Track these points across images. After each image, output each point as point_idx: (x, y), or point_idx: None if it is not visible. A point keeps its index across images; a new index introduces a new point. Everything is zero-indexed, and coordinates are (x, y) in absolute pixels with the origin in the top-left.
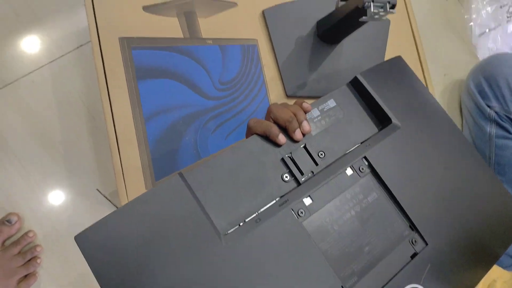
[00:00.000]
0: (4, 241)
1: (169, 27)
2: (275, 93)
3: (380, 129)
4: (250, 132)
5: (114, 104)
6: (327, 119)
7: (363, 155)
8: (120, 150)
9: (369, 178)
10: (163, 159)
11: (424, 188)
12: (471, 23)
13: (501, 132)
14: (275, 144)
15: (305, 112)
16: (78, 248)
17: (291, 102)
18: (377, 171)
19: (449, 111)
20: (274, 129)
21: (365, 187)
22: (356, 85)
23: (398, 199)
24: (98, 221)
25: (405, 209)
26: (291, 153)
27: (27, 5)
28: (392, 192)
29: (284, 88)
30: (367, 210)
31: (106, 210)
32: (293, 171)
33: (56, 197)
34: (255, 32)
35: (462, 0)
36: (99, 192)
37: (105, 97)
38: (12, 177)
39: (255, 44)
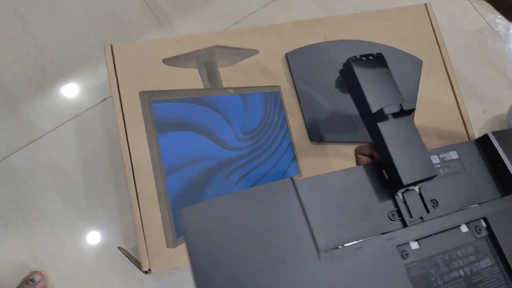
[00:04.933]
0: None
1: (189, 78)
2: (301, 141)
3: (503, 195)
4: (358, 157)
5: (134, 159)
6: (446, 170)
7: (483, 216)
8: (140, 206)
9: (485, 242)
10: None
11: None
12: (510, 55)
13: None
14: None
15: None
16: None
17: (315, 147)
18: (496, 236)
19: None
20: None
21: (480, 251)
22: (484, 143)
23: None
24: (204, 202)
25: None
26: (403, 192)
27: (52, 60)
28: (509, 263)
29: (308, 134)
30: (477, 275)
31: (129, 267)
32: (402, 211)
33: (80, 255)
34: (278, 78)
35: (499, 31)
36: (120, 250)
37: (126, 152)
38: (37, 235)
39: (278, 91)
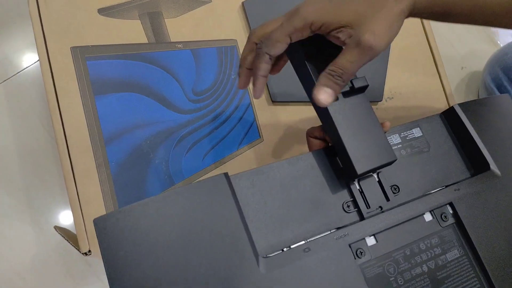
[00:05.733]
0: None
1: (130, 31)
2: (261, 102)
3: (472, 174)
4: (309, 140)
5: (67, 126)
6: (408, 150)
7: (449, 201)
8: (76, 179)
9: (451, 231)
10: (129, 187)
11: None
12: None
13: None
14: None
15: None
16: None
17: (277, 108)
18: (464, 224)
19: None
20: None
21: (445, 241)
22: (450, 117)
23: (485, 265)
24: (123, 208)
25: (491, 278)
26: (359, 180)
27: None
28: (480, 254)
29: (269, 94)
30: (443, 270)
31: (73, 249)
32: (358, 202)
33: (17, 238)
34: (234, 31)
35: None
36: (56, 230)
37: (57, 118)
38: None
39: (234, 45)
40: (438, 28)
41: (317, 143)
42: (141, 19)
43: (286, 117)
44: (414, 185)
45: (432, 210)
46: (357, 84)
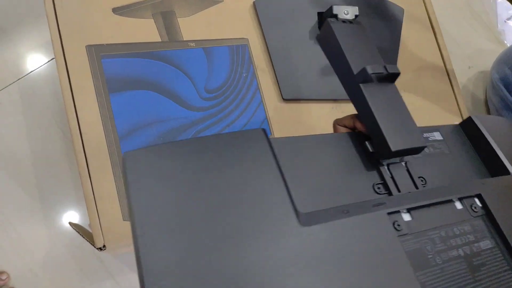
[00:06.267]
0: None
1: (144, 30)
2: (272, 99)
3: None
4: (337, 128)
5: (82, 123)
6: (431, 149)
7: (478, 192)
8: (91, 175)
9: (481, 222)
10: None
11: None
12: (496, 7)
13: None
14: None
15: None
16: None
17: (288, 106)
18: (495, 217)
19: (475, 106)
20: None
21: (478, 230)
22: (468, 127)
23: None
24: (156, 145)
25: None
26: (388, 164)
27: None
28: None
29: (281, 92)
30: (478, 257)
31: (86, 245)
32: (389, 184)
33: (30, 234)
34: (245, 30)
35: None
36: (71, 226)
37: (72, 115)
38: None
39: (245, 44)
40: (445, 27)
41: (344, 131)
42: (154, 18)
43: (297, 114)
44: (439, 181)
45: (462, 199)
46: (390, 69)
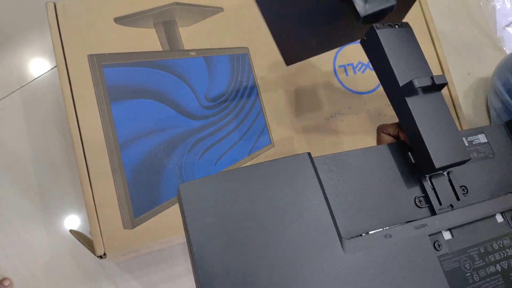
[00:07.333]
0: None
1: (146, 40)
2: (272, 108)
3: None
4: (381, 136)
5: (84, 131)
6: (474, 154)
7: None
8: (92, 183)
9: None
10: (143, 192)
11: None
12: (495, 14)
13: None
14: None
15: None
16: None
17: (288, 115)
18: None
19: (475, 113)
20: None
21: None
22: None
23: None
24: (207, 176)
25: None
26: (430, 177)
27: None
28: None
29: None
30: None
31: (87, 251)
32: (430, 197)
33: (33, 240)
34: (246, 39)
35: None
36: (72, 233)
37: (73, 123)
38: None
39: (246, 53)
40: (445, 34)
41: (388, 139)
42: (156, 28)
43: (296, 123)
44: (481, 188)
45: (504, 212)
46: (438, 80)
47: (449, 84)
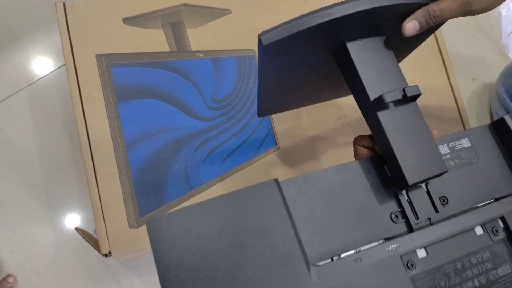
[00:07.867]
0: None
1: (153, 40)
2: None
3: None
4: (356, 148)
5: (91, 131)
6: (457, 160)
7: (500, 214)
8: (98, 182)
9: (503, 246)
10: (148, 192)
11: None
12: (500, 20)
13: None
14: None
15: None
16: None
17: (293, 117)
18: None
19: (479, 119)
20: None
21: (497, 256)
22: (499, 128)
23: None
24: (173, 210)
25: None
26: (407, 190)
27: (1, 23)
28: None
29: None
30: (494, 285)
31: (92, 250)
32: (407, 212)
33: (38, 238)
34: (253, 41)
35: None
36: (77, 231)
37: (81, 123)
38: None
39: (252, 55)
40: (450, 39)
41: (364, 152)
42: (164, 29)
43: (301, 125)
44: (463, 196)
45: (483, 224)
46: (410, 92)
47: (453, 87)
